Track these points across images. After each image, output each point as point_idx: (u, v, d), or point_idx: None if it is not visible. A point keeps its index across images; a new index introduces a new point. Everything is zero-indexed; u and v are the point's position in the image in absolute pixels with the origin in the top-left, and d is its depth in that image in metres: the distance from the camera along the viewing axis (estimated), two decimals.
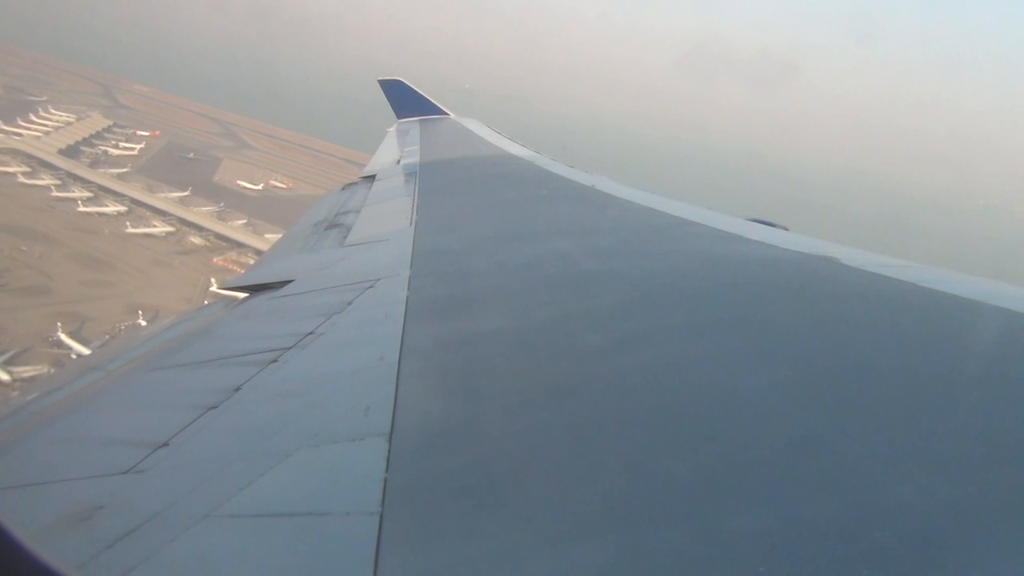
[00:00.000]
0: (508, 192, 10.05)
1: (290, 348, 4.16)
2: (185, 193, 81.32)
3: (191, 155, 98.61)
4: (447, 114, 20.13)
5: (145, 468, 2.90)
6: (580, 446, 2.73)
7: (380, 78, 20.67)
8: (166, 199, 78.92)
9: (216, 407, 3.44)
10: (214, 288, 59.44)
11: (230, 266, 67.20)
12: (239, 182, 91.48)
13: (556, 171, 11.13)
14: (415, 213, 8.42)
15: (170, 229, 72.69)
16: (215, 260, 67.87)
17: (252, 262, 68.15)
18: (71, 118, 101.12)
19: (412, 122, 19.08)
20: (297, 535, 2.28)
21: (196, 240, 71.83)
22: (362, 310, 4.82)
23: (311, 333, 4.37)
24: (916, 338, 3.61)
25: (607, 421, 2.90)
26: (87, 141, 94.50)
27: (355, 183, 12.63)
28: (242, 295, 6.46)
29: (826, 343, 3.61)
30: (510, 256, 6.26)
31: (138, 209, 75.51)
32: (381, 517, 2.23)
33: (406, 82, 20.68)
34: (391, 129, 18.75)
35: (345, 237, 8.03)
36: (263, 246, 70.93)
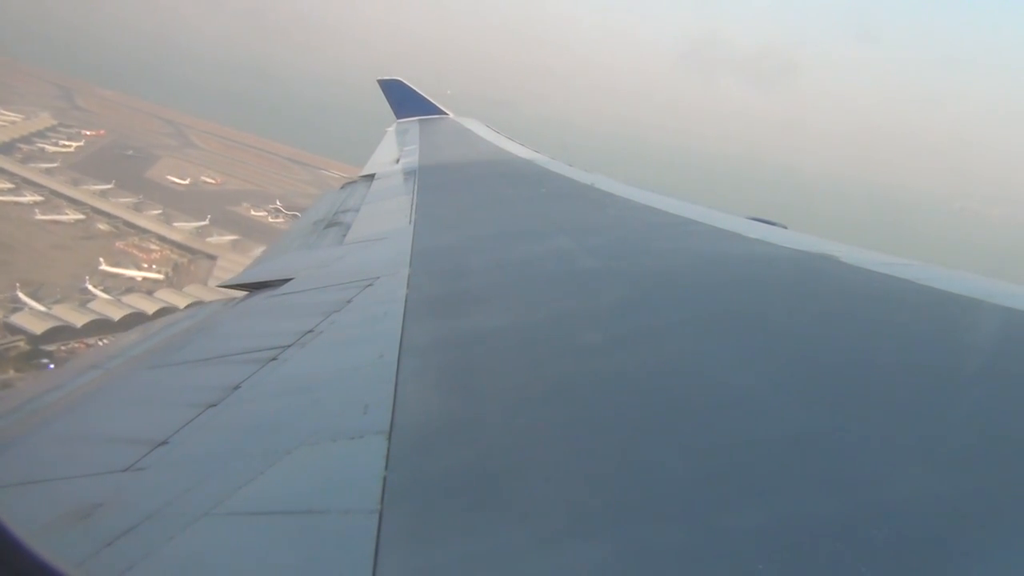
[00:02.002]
0: (507, 190, 10.22)
1: (290, 346, 4.19)
2: (108, 186, 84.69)
3: (130, 152, 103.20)
4: (446, 114, 20.38)
5: (145, 466, 2.92)
6: (579, 444, 2.76)
7: (379, 78, 20.93)
8: (87, 191, 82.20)
9: (216, 405, 3.47)
10: (102, 267, 64.25)
11: (130, 249, 71.96)
12: (168, 177, 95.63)
13: (555, 170, 11.34)
14: (414, 211, 8.53)
15: (80, 217, 76.08)
16: (117, 244, 72.28)
17: (153, 246, 73.02)
18: (17, 117, 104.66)
19: (411, 122, 19.30)
20: (297, 533, 2.31)
21: (103, 227, 75.49)
22: (361, 308, 4.86)
23: (311, 331, 4.40)
24: (916, 336, 3.65)
25: (606, 419, 2.94)
26: (26, 139, 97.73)
27: (354, 182, 12.81)
28: (242, 293, 6.51)
29: (826, 341, 3.65)
30: (509, 254, 6.32)
31: (55, 199, 78.71)
32: (380, 515, 2.25)
33: (405, 82, 20.99)
34: (390, 129, 19.07)
35: (344, 235, 8.12)
36: (166, 232, 75.68)
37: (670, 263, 5.76)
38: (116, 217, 77.69)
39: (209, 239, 76.03)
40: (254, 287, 6.52)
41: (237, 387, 3.68)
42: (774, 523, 2.12)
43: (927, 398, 2.89)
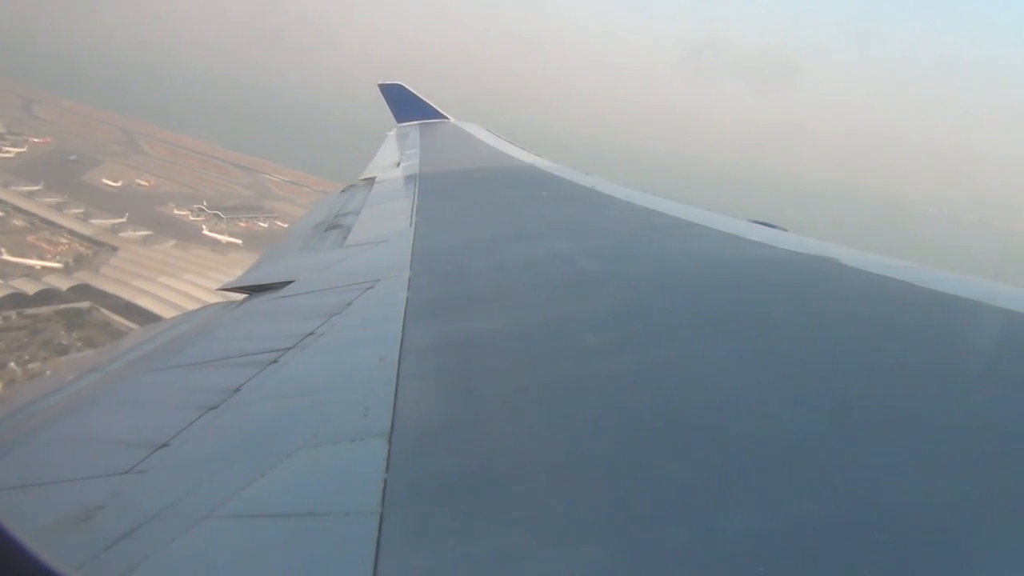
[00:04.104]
0: (507, 193, 10.25)
1: (290, 349, 4.20)
2: (36, 187, 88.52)
3: (73, 158, 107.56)
4: (447, 118, 20.58)
5: (145, 468, 2.93)
6: (580, 446, 2.78)
7: (380, 82, 21.18)
8: (13, 192, 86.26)
9: (216, 408, 3.48)
10: (3, 256, 68.87)
11: (40, 243, 76.46)
12: (103, 180, 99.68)
13: (555, 173, 11.45)
14: (415, 214, 8.56)
15: None
16: (28, 238, 76.02)
17: (63, 240, 77.61)
18: None
19: (412, 126, 19.46)
20: (297, 535, 2.31)
21: (18, 223, 79.49)
22: (362, 311, 4.88)
23: (311, 334, 4.41)
24: (917, 338, 3.68)
25: (607, 421, 2.95)
26: None
27: (355, 185, 12.84)
28: (242, 296, 6.52)
29: (827, 343, 3.67)
30: (510, 257, 6.35)
31: None
32: (381, 517, 2.26)
33: (406, 86, 21.23)
34: (391, 133, 19.20)
35: (345, 238, 8.18)
36: (79, 227, 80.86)
37: (671, 265, 5.83)
38: (34, 214, 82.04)
39: (122, 234, 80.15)
40: (254, 289, 6.56)
41: (237, 389, 3.70)
42: (774, 526, 2.13)
43: (931, 400, 2.92)
